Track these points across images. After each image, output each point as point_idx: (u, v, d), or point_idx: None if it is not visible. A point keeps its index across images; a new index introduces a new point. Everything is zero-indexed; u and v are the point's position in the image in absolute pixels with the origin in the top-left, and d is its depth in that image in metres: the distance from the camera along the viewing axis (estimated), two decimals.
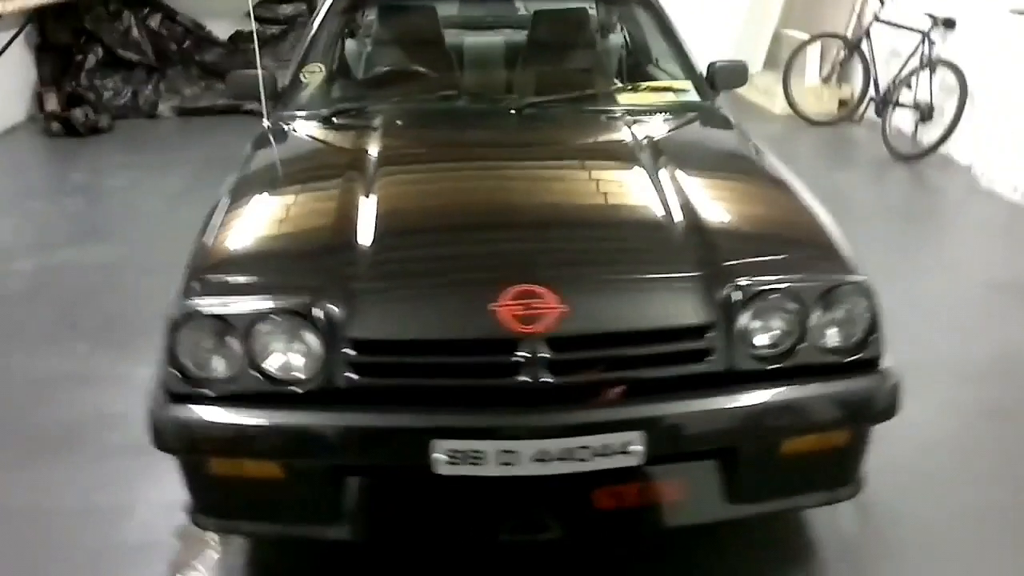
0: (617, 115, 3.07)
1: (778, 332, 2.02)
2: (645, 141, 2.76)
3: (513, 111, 3.04)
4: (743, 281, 2.01)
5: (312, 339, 1.94)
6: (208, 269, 2.09)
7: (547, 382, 1.90)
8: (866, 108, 7.11)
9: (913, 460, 2.77)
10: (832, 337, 2.05)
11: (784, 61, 7.53)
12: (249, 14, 8.00)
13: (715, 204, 2.37)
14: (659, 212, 2.30)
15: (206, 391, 1.96)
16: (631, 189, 2.47)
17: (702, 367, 1.97)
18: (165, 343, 1.98)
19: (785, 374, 2.01)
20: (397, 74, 3.36)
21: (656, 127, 2.98)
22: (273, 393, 1.95)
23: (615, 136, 2.91)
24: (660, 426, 1.92)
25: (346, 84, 3.41)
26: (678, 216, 2.26)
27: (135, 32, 7.87)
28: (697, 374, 1.97)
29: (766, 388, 1.98)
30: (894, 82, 6.59)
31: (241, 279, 2.07)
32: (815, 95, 7.53)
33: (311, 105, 3.21)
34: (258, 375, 1.95)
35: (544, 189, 2.50)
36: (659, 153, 2.64)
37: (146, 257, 4.59)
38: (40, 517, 2.62)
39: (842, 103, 7.59)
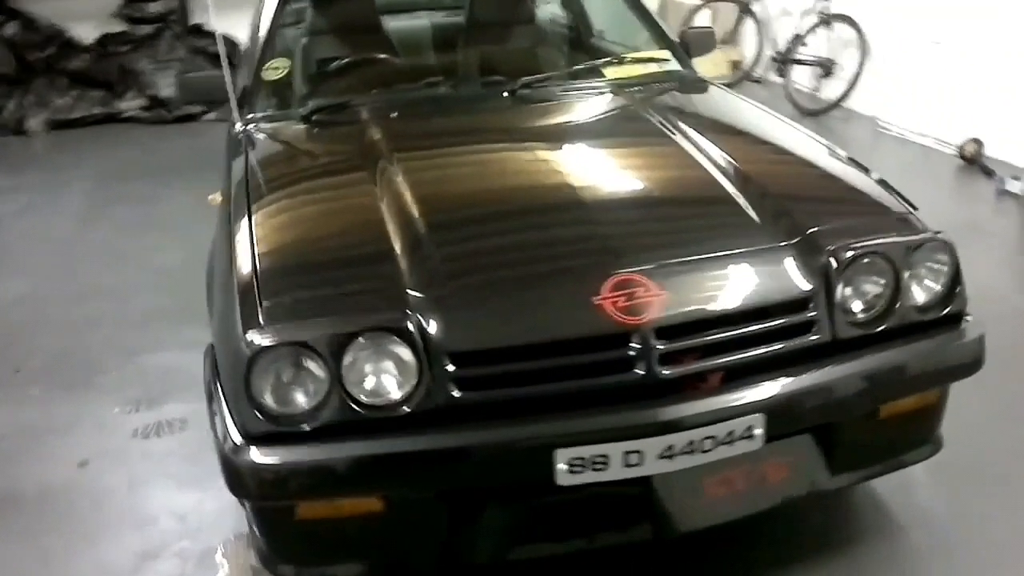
0: (613, 89, 2.96)
1: (873, 295, 1.98)
2: (660, 113, 2.68)
3: (506, 93, 2.89)
4: (835, 247, 1.96)
5: (408, 357, 1.76)
6: (268, 295, 1.86)
7: (666, 374, 1.80)
8: (766, 67, 7.23)
9: None
10: (921, 295, 2.03)
11: (671, 27, 7.59)
12: (118, 14, 7.52)
13: (766, 170, 2.31)
14: (718, 184, 2.22)
15: (291, 427, 1.75)
16: (677, 163, 2.37)
17: (809, 339, 1.91)
18: (236, 382, 1.76)
19: (885, 337, 1.97)
20: (367, 64, 3.14)
21: (660, 98, 2.90)
22: (367, 420, 1.76)
23: (628, 111, 2.81)
24: (780, 406, 1.85)
25: (315, 79, 3.15)
26: (737, 186, 2.20)
27: None
28: (804, 347, 1.91)
29: (873, 353, 1.94)
30: (792, 40, 6.73)
31: (312, 300, 1.86)
32: (710, 59, 7.59)
33: (283, 104, 2.97)
34: (349, 402, 1.76)
35: (588, 170, 2.36)
36: (683, 124, 2.57)
37: (68, 286, 4.20)
38: None
39: (734, 64, 7.73)
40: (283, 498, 1.79)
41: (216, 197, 2.84)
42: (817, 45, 6.54)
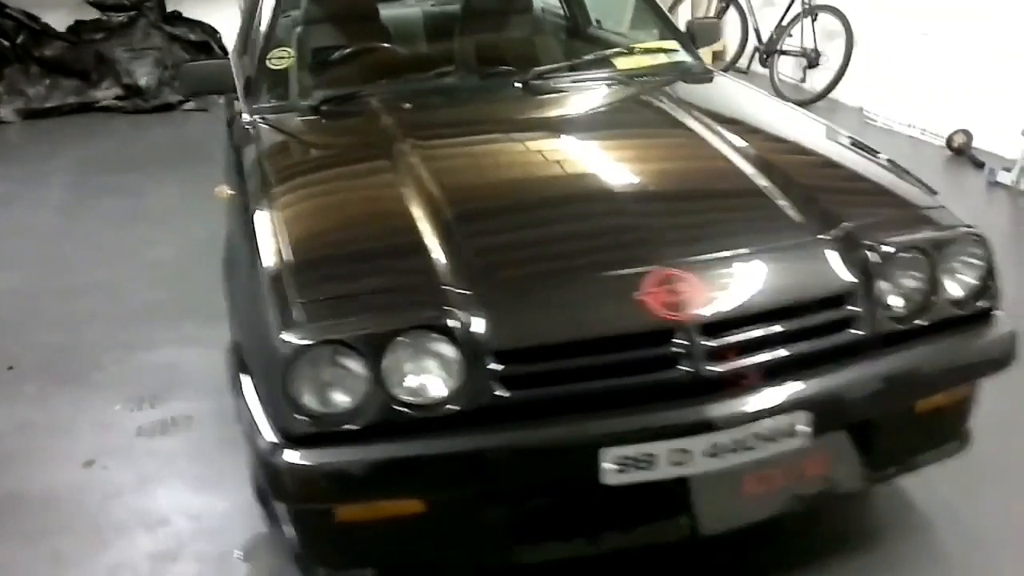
0: (625, 80, 2.93)
1: (910, 290, 1.97)
2: (677, 104, 2.67)
3: (518, 84, 2.84)
4: (874, 241, 1.94)
5: (451, 355, 1.72)
6: (302, 291, 1.80)
7: (711, 371, 1.77)
8: (751, 58, 7.23)
9: None
10: (955, 289, 2.02)
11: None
12: (92, 1, 7.36)
13: (793, 162, 2.32)
14: (748, 177, 2.20)
15: (331, 428, 1.71)
16: (704, 155, 2.35)
17: (851, 335, 1.89)
18: (273, 382, 1.71)
19: (922, 332, 1.96)
20: (374, 53, 3.09)
21: (673, 89, 2.88)
22: (410, 420, 1.72)
23: (644, 101, 2.80)
24: (825, 402, 1.84)
25: (321, 68, 3.08)
26: (768, 178, 2.18)
27: None
28: (846, 343, 1.89)
29: (913, 348, 1.94)
30: (776, 30, 6.74)
31: (349, 296, 1.81)
32: None
33: (290, 94, 2.90)
34: (390, 402, 1.71)
35: (612, 161, 2.32)
36: (702, 115, 2.55)
37: (58, 280, 4.10)
38: None
39: (715, 56, 7.73)
40: (324, 501, 1.75)
41: (224, 189, 2.77)
42: (802, 36, 6.55)
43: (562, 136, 2.49)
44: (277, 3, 3.08)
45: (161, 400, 3.06)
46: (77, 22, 7.42)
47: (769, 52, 6.80)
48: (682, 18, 7.70)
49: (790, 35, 6.66)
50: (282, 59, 2.91)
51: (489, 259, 1.90)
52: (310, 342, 1.69)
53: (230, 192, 2.72)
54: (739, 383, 1.82)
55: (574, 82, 2.91)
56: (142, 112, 7.11)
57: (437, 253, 1.90)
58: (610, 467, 1.73)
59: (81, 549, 2.39)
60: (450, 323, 1.73)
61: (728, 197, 2.20)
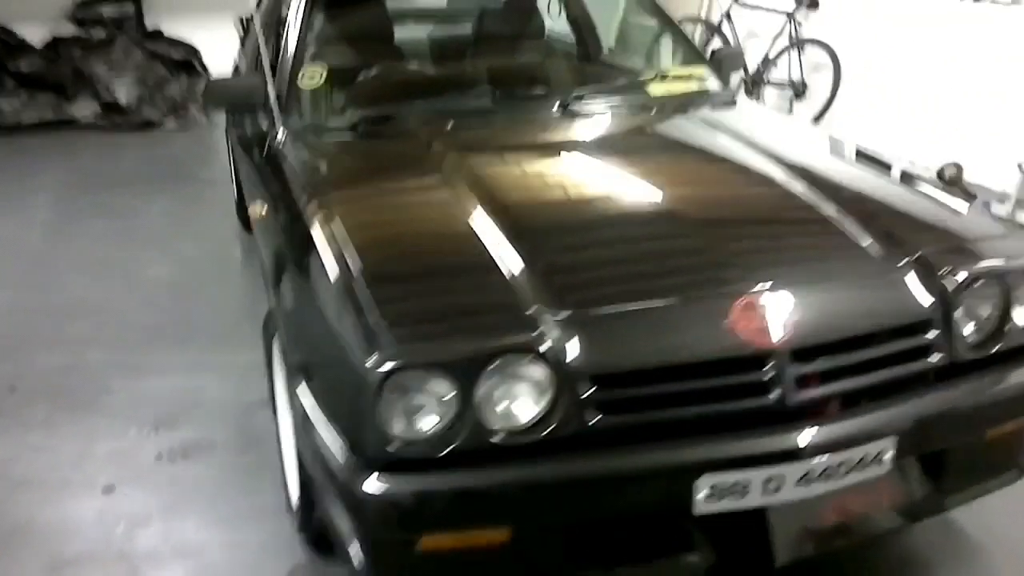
0: (661, 105, 2.92)
1: (984, 317, 1.97)
2: (719, 129, 2.67)
3: (556, 108, 2.81)
4: (950, 268, 1.93)
5: (545, 379, 1.67)
6: (386, 312, 1.72)
7: (802, 398, 1.75)
8: (736, 89, 7.30)
9: None
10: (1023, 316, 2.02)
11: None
12: (71, 17, 7.22)
13: (853, 189, 2.31)
14: (814, 203, 2.18)
15: (419, 454, 1.64)
16: (761, 180, 2.33)
17: (932, 362, 1.88)
18: (359, 406, 1.64)
19: (996, 359, 1.96)
20: (405, 73, 3.06)
21: (709, 114, 2.86)
22: (501, 446, 1.66)
23: (687, 126, 2.78)
24: (910, 429, 1.82)
25: (355, 88, 2.99)
26: (831, 203, 2.16)
27: None
28: (927, 370, 1.88)
29: (990, 375, 1.93)
30: (764, 62, 6.82)
31: (435, 318, 1.75)
32: None
33: (324, 113, 2.83)
34: (481, 427, 1.65)
35: (678, 186, 2.28)
36: (748, 140, 2.55)
37: (55, 300, 3.95)
38: None
39: None
40: (411, 529, 1.67)
41: (256, 207, 2.70)
42: (789, 67, 6.63)
43: (616, 158, 2.46)
44: (305, 21, 3.01)
45: (177, 425, 2.96)
46: (55, 38, 7.26)
47: (755, 82, 6.86)
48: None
49: (775, 66, 6.73)
50: (314, 78, 2.84)
51: (574, 280, 1.86)
52: (400, 364, 1.62)
53: (264, 210, 2.65)
54: (826, 410, 1.79)
55: (610, 106, 2.88)
56: (120, 130, 6.96)
57: (517, 272, 1.85)
58: (703, 496, 1.69)
59: None
60: (544, 347, 1.67)
61: (801, 223, 2.17)
